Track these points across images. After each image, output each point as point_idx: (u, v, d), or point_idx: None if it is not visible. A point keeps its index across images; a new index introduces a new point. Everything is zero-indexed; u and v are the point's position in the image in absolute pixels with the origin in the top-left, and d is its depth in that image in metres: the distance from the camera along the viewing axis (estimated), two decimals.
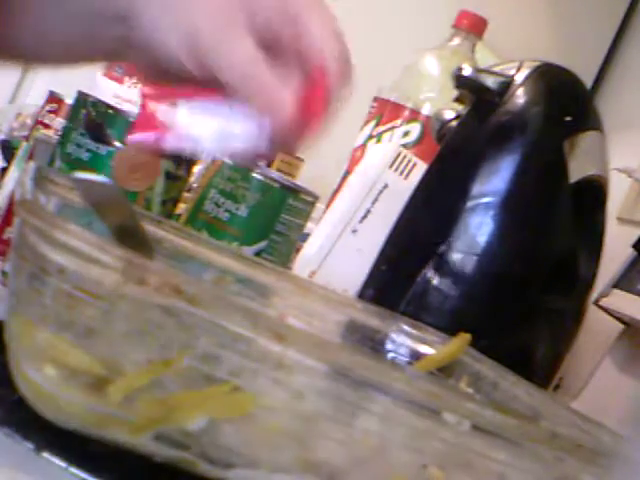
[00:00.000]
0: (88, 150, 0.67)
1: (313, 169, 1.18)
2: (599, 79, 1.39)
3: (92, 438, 0.41)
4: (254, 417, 0.42)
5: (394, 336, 0.63)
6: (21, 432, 0.41)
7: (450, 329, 0.63)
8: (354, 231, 0.84)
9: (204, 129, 0.51)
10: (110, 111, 0.67)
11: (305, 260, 0.83)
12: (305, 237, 0.85)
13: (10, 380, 0.42)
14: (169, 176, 0.68)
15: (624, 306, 0.92)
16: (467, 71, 0.77)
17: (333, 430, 0.41)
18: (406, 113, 1.06)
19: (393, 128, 1.05)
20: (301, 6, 0.51)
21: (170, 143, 0.51)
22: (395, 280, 0.77)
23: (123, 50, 0.54)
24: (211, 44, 0.49)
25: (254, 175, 0.68)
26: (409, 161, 0.87)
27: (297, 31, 0.51)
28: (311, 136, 0.50)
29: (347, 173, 1.03)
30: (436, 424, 0.41)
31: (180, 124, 0.51)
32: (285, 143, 0.51)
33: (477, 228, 0.74)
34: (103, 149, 0.66)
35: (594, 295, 0.88)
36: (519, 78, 0.77)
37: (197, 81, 0.51)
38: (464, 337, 0.60)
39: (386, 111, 1.06)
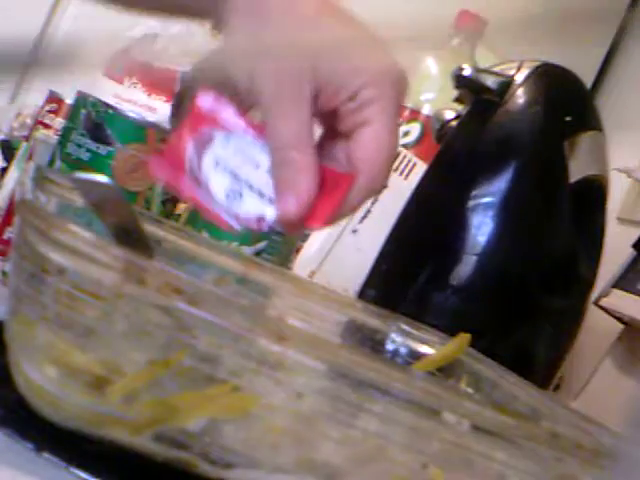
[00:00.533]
0: (88, 150, 0.67)
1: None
2: (599, 79, 1.39)
3: (92, 438, 0.41)
4: (254, 417, 0.42)
5: (394, 336, 0.63)
6: (21, 432, 0.41)
7: (450, 329, 0.63)
8: (354, 231, 0.84)
9: (220, 186, 0.51)
10: (110, 111, 0.67)
11: (305, 260, 0.83)
12: (305, 237, 0.85)
13: (10, 380, 0.42)
14: None
15: (624, 306, 0.92)
16: (467, 71, 0.77)
17: (333, 430, 0.41)
18: (406, 113, 1.06)
19: None
20: (371, 100, 0.50)
21: (186, 191, 0.51)
22: (395, 280, 0.77)
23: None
24: (269, 103, 0.49)
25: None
26: (409, 161, 0.87)
27: (355, 123, 0.50)
28: (311, 229, 0.51)
29: None
30: (436, 424, 0.41)
31: (200, 174, 0.51)
32: (284, 228, 0.51)
33: (477, 228, 0.74)
34: (103, 149, 0.66)
35: (594, 295, 0.88)
36: (519, 78, 0.77)
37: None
38: (464, 337, 0.60)
39: None
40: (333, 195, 0.50)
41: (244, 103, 0.51)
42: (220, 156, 0.51)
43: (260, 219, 0.51)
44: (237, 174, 0.51)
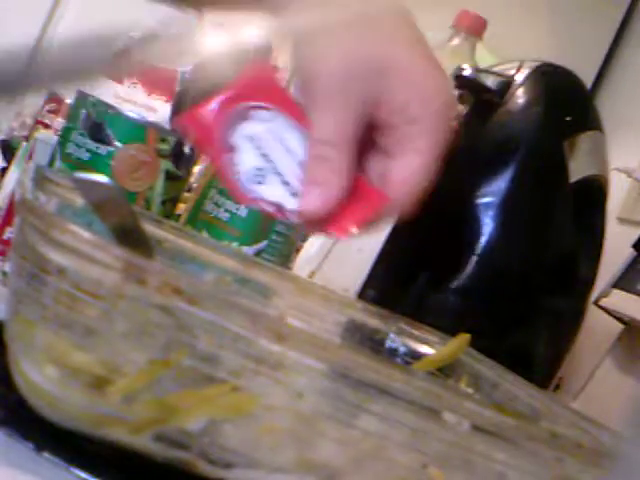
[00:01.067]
0: (88, 150, 0.67)
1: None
2: (599, 79, 1.39)
3: (92, 438, 0.41)
4: (254, 417, 0.42)
5: (394, 336, 0.63)
6: (21, 432, 0.41)
7: (450, 329, 0.63)
8: None
9: (248, 161, 0.50)
10: (110, 111, 0.67)
11: (305, 260, 0.83)
12: (305, 237, 0.85)
13: (10, 380, 0.42)
14: (169, 176, 0.68)
15: (624, 306, 0.92)
16: (467, 71, 0.77)
17: (333, 430, 0.41)
18: None
19: None
20: (418, 118, 0.50)
21: (212, 151, 0.50)
22: (395, 280, 0.77)
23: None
24: (321, 92, 0.49)
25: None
26: None
27: (397, 139, 0.50)
28: (329, 235, 0.51)
29: None
30: (436, 424, 0.41)
31: (233, 142, 0.50)
32: (301, 223, 0.50)
33: (477, 228, 0.74)
34: (103, 149, 0.66)
35: (594, 295, 0.88)
36: (519, 78, 0.77)
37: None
38: (464, 337, 0.60)
39: None
40: (362, 208, 0.50)
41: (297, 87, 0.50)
42: (257, 132, 0.50)
43: (278, 207, 0.50)
44: (268, 156, 0.50)
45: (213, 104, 0.50)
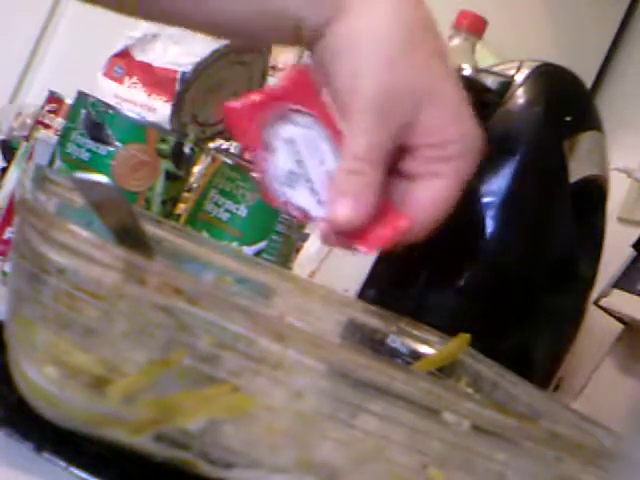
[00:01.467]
0: (88, 150, 0.67)
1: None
2: (599, 79, 1.39)
3: (92, 438, 0.41)
4: (254, 417, 0.42)
5: (394, 336, 0.63)
6: (21, 432, 0.41)
7: (450, 329, 0.63)
8: None
9: (282, 164, 0.51)
10: (110, 111, 0.67)
11: (305, 260, 0.83)
12: (305, 237, 0.85)
13: (10, 380, 0.42)
14: (169, 176, 0.68)
15: (624, 306, 0.92)
16: (467, 71, 0.77)
17: (333, 430, 0.41)
18: None
19: None
20: (452, 157, 0.50)
21: (250, 145, 0.50)
22: (395, 280, 0.77)
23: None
24: (363, 108, 0.49)
25: (254, 175, 0.68)
26: None
27: (428, 170, 0.50)
28: (353, 248, 0.50)
29: None
30: (436, 424, 0.41)
31: (271, 140, 0.51)
32: (326, 232, 0.51)
33: (477, 228, 0.74)
34: (103, 149, 0.66)
35: (594, 295, 0.88)
36: (519, 78, 0.77)
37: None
38: (464, 337, 0.60)
39: None
40: (386, 227, 0.50)
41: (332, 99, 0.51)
42: (295, 136, 0.51)
43: (305, 213, 0.51)
44: (302, 162, 0.51)
45: (257, 99, 0.50)
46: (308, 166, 0.51)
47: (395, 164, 0.51)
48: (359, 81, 0.49)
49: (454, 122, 0.51)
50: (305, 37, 0.51)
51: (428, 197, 0.51)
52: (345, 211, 0.49)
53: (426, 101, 0.50)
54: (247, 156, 0.53)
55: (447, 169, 0.50)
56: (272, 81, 1.08)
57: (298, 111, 0.51)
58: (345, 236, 0.50)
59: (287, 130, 0.51)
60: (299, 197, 0.51)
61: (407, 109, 0.49)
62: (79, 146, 0.67)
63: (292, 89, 0.51)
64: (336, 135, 0.50)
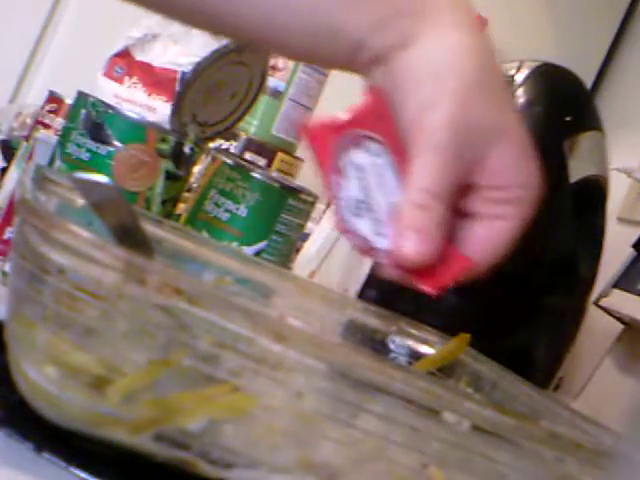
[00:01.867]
0: (88, 150, 0.67)
1: (313, 169, 1.18)
2: (599, 79, 1.39)
3: (92, 438, 0.41)
4: (254, 417, 0.42)
5: (394, 336, 0.63)
6: (21, 432, 0.41)
7: (450, 329, 0.63)
8: None
9: (351, 191, 0.50)
10: (110, 111, 0.67)
11: (305, 260, 0.83)
12: (305, 237, 0.85)
13: (10, 380, 0.41)
14: (169, 176, 0.68)
15: (624, 306, 0.92)
16: None
17: (333, 430, 0.41)
18: None
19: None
20: (516, 201, 0.50)
21: (325, 168, 0.50)
22: (395, 280, 0.77)
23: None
24: (436, 142, 0.48)
25: (254, 175, 0.68)
26: None
27: (491, 211, 0.50)
28: (416, 286, 0.50)
29: None
30: (436, 424, 0.41)
31: (343, 166, 0.50)
32: (391, 266, 0.50)
33: None
34: (103, 149, 0.66)
35: (594, 295, 0.88)
36: (519, 78, 0.77)
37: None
38: (464, 337, 0.60)
39: None
40: (449, 267, 0.49)
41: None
42: (365, 164, 0.50)
43: (366, 243, 0.50)
44: (368, 191, 0.50)
45: (337, 122, 0.49)
46: (373, 195, 0.50)
47: (455, 201, 0.50)
48: (431, 113, 0.48)
49: (521, 164, 0.50)
50: (361, 61, 0.50)
51: (489, 238, 0.50)
52: (412, 246, 0.48)
53: (496, 140, 0.49)
54: (321, 180, 0.52)
55: (510, 211, 0.50)
56: (272, 81, 1.08)
57: (370, 138, 0.49)
58: (407, 272, 0.49)
59: (359, 157, 0.50)
60: (363, 227, 0.50)
61: (478, 146, 0.48)
62: (79, 146, 0.67)
63: (368, 114, 0.49)
64: (401, 164, 0.49)
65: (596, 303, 0.92)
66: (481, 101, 0.49)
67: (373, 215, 0.50)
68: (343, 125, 0.49)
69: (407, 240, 0.48)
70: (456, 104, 0.48)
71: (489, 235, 0.50)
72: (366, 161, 0.50)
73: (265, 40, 0.53)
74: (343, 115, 0.50)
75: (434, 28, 0.49)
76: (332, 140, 0.49)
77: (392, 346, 0.63)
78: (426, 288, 0.49)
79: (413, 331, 0.63)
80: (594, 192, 0.78)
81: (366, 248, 0.50)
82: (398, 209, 0.49)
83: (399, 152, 0.49)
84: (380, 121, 0.49)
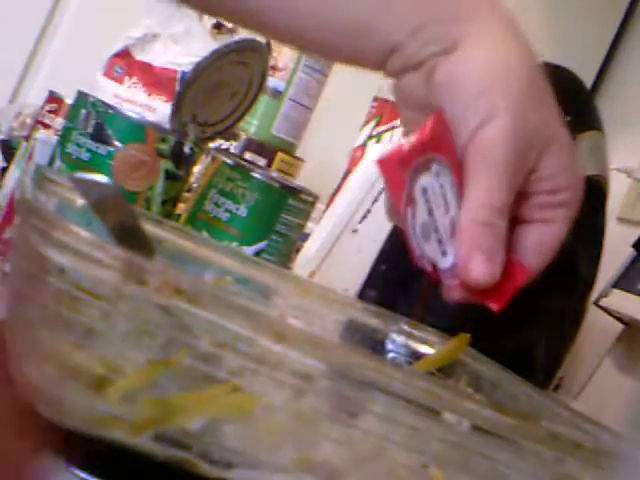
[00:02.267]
0: (88, 150, 0.67)
1: (313, 169, 1.18)
2: (599, 79, 1.39)
3: (92, 438, 0.41)
4: (254, 417, 0.42)
5: (394, 336, 0.63)
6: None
7: (450, 329, 0.63)
8: (354, 231, 0.84)
9: (420, 215, 0.49)
10: (110, 111, 0.67)
11: (305, 260, 0.83)
12: (305, 237, 0.85)
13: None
14: (169, 176, 0.68)
15: (624, 306, 0.92)
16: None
17: (333, 430, 0.41)
18: None
19: (393, 128, 1.05)
20: (565, 203, 0.50)
21: (399, 201, 0.48)
22: (395, 280, 0.77)
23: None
24: (495, 157, 0.47)
25: (254, 175, 0.68)
26: None
27: (540, 216, 0.49)
28: (486, 305, 0.49)
29: (347, 173, 1.04)
30: (436, 424, 0.41)
31: (413, 194, 0.48)
32: (459, 290, 0.49)
33: None
34: (103, 149, 0.66)
35: (594, 295, 0.88)
36: None
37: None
38: (464, 337, 0.60)
39: (386, 111, 1.06)
40: (511, 280, 0.48)
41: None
42: (427, 184, 0.48)
43: (434, 266, 0.49)
44: (432, 211, 0.49)
45: (406, 148, 0.48)
46: (436, 215, 0.48)
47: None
48: (489, 128, 0.47)
49: (568, 169, 0.50)
50: (395, 64, 0.49)
51: (544, 242, 0.50)
52: (480, 268, 0.47)
53: (548, 147, 0.48)
54: (393, 214, 0.50)
55: (558, 215, 0.50)
56: (272, 81, 1.08)
57: (434, 159, 0.48)
58: (474, 291, 0.48)
59: (423, 179, 0.48)
60: (430, 249, 0.49)
61: (533, 155, 0.48)
62: (79, 146, 0.67)
63: (433, 136, 0.48)
64: (459, 179, 0.48)
65: (596, 303, 0.92)
66: (535, 109, 0.48)
67: (438, 235, 0.49)
68: (411, 153, 0.48)
69: (475, 262, 0.47)
70: (513, 116, 0.47)
71: (543, 239, 0.50)
72: (429, 181, 0.48)
73: (300, 37, 0.52)
74: (410, 140, 0.48)
75: (480, 33, 0.48)
76: (403, 172, 0.48)
77: (392, 346, 0.63)
78: (493, 305, 0.49)
79: (413, 331, 0.63)
80: (594, 192, 0.77)
81: (436, 272, 0.49)
82: (459, 226, 0.48)
83: (457, 167, 0.48)
84: (443, 141, 0.48)
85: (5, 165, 0.95)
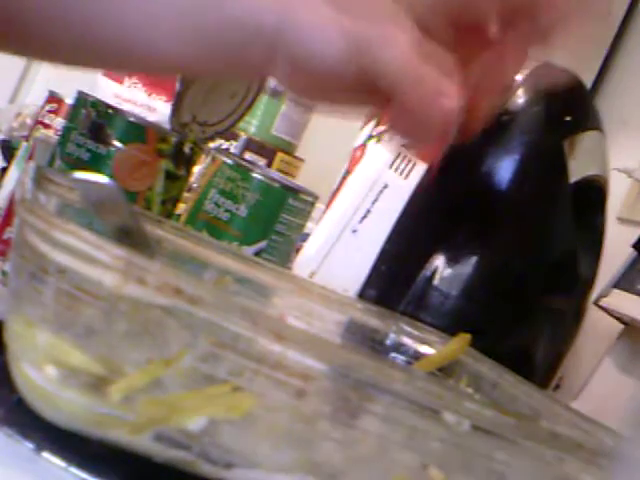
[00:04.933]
0: (88, 150, 0.67)
1: (313, 169, 1.18)
2: (599, 79, 1.39)
3: (92, 438, 0.41)
4: (254, 417, 0.42)
5: (394, 336, 0.63)
6: (21, 432, 0.41)
7: (450, 329, 0.63)
8: (354, 231, 0.84)
9: None
10: (110, 111, 0.67)
11: (305, 260, 0.83)
12: (305, 237, 0.85)
13: (10, 380, 0.41)
14: (169, 176, 0.68)
15: (624, 306, 0.92)
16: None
17: (333, 430, 0.41)
18: None
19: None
20: None
21: None
22: (395, 280, 0.77)
23: (261, 65, 0.50)
24: (369, 42, 0.47)
25: (254, 175, 0.68)
26: (409, 161, 0.87)
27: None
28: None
29: (347, 173, 1.03)
30: (436, 424, 0.41)
31: None
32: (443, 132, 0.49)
33: (477, 228, 0.74)
34: (103, 149, 0.66)
35: (594, 295, 0.88)
36: (519, 78, 0.77)
37: (355, 91, 0.49)
38: (464, 337, 0.60)
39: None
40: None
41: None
42: None
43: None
44: None
45: None
46: None
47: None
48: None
49: None
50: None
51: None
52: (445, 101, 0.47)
53: None
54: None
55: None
56: (272, 81, 1.08)
57: None
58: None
59: None
60: None
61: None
62: (79, 146, 0.67)
63: None
64: None
65: (596, 303, 0.92)
66: None
67: None
68: None
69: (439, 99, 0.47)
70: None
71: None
72: None
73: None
74: None
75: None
76: None
77: (392, 346, 0.63)
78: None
79: (413, 331, 0.63)
80: (594, 192, 0.78)
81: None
82: None
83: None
84: None
85: (5, 165, 0.95)
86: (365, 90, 0.48)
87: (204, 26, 0.49)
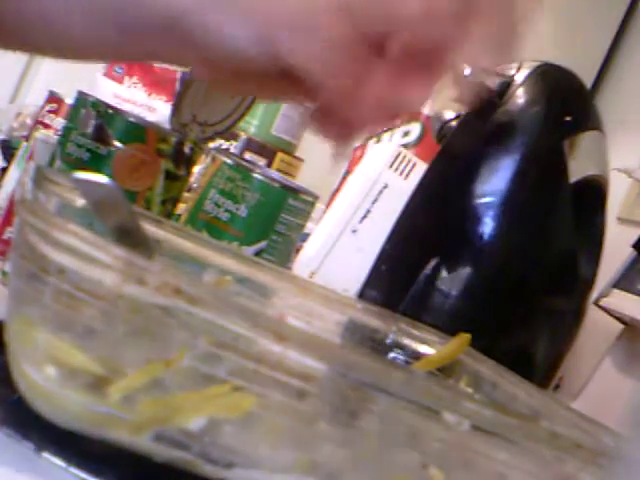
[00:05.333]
0: (88, 150, 0.67)
1: (313, 169, 1.18)
2: (599, 79, 1.39)
3: (92, 438, 0.41)
4: (254, 417, 0.42)
5: (394, 336, 0.63)
6: (21, 432, 0.41)
7: (450, 329, 0.63)
8: (354, 231, 0.84)
9: None
10: (110, 111, 0.67)
11: (305, 260, 0.83)
12: (305, 237, 0.85)
13: (10, 380, 0.41)
14: (169, 176, 0.68)
15: (624, 306, 0.92)
16: (467, 71, 0.77)
17: (333, 430, 0.41)
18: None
19: (393, 128, 1.05)
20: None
21: None
22: (395, 280, 0.77)
23: (173, 52, 0.51)
24: (280, 32, 0.47)
25: (254, 175, 0.68)
26: (409, 161, 0.87)
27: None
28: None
29: (347, 173, 1.04)
30: (436, 424, 0.41)
31: None
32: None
33: (477, 228, 0.74)
34: (103, 149, 0.66)
35: (594, 295, 0.88)
36: (519, 78, 0.77)
37: (271, 76, 0.49)
38: (464, 337, 0.60)
39: None
40: None
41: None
42: None
43: None
44: None
45: None
46: None
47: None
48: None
49: None
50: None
51: None
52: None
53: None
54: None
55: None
56: None
57: None
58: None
59: None
60: None
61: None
62: (79, 146, 0.67)
63: None
64: None
65: (596, 303, 0.92)
66: None
67: None
68: None
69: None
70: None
71: None
72: None
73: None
74: None
75: None
76: None
77: (392, 346, 0.63)
78: None
79: (413, 331, 0.63)
80: (594, 192, 0.78)
81: None
82: None
83: None
84: None
85: (5, 165, 0.95)
86: (286, 78, 0.49)
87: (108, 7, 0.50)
